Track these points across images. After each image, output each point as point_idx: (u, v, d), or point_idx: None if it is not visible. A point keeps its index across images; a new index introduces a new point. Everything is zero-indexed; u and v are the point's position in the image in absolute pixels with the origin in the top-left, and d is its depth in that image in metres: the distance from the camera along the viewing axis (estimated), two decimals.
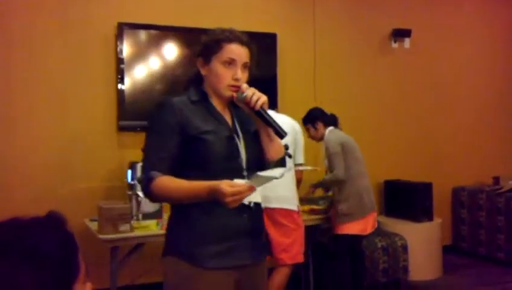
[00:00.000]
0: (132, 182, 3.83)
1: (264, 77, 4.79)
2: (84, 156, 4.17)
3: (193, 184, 1.74)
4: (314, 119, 4.03)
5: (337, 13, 5.13)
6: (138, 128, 4.25)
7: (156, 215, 3.77)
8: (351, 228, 3.80)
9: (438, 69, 5.64)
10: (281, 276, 3.52)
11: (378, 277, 4.42)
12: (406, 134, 5.42)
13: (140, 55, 4.32)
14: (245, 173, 1.85)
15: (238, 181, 1.71)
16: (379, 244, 4.43)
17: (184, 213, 1.86)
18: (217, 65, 1.85)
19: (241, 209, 1.80)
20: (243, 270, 1.88)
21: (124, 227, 3.34)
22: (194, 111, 1.85)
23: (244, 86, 1.85)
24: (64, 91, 4.14)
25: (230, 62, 1.84)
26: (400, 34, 5.35)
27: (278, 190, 3.38)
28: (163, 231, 3.46)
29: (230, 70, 1.84)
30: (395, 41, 5.39)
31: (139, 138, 4.19)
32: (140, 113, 4.31)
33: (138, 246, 3.63)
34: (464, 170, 5.74)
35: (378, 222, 4.19)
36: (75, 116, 4.16)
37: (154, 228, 3.57)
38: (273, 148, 1.91)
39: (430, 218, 4.97)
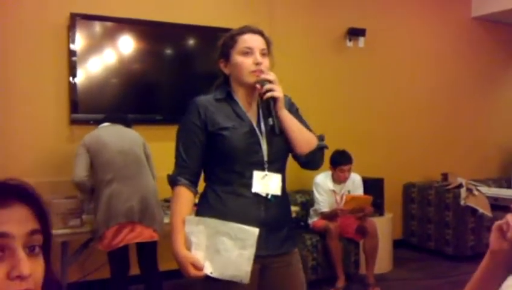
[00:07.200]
0: None
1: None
2: (34, 150, 4.06)
3: (178, 228, 1.86)
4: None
5: (293, 11, 5.18)
6: (91, 122, 4.16)
7: None
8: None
9: (391, 67, 5.77)
10: None
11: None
12: (359, 131, 5.53)
13: (94, 47, 4.23)
14: (266, 166, 1.93)
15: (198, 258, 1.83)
16: None
17: (206, 200, 1.96)
18: (236, 57, 1.94)
19: (259, 201, 1.91)
20: (264, 260, 1.91)
21: (74, 222, 3.31)
22: (218, 109, 1.95)
23: (267, 74, 1.92)
24: (14, 82, 4.02)
25: (248, 51, 1.93)
26: (355, 33, 5.44)
27: None
28: None
29: (250, 58, 1.92)
30: (350, 40, 5.48)
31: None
32: (94, 106, 4.24)
33: (89, 241, 3.59)
34: (415, 166, 5.91)
35: None
36: (24, 108, 4.05)
37: None
38: (300, 142, 1.96)
39: (381, 213, 5.11)
